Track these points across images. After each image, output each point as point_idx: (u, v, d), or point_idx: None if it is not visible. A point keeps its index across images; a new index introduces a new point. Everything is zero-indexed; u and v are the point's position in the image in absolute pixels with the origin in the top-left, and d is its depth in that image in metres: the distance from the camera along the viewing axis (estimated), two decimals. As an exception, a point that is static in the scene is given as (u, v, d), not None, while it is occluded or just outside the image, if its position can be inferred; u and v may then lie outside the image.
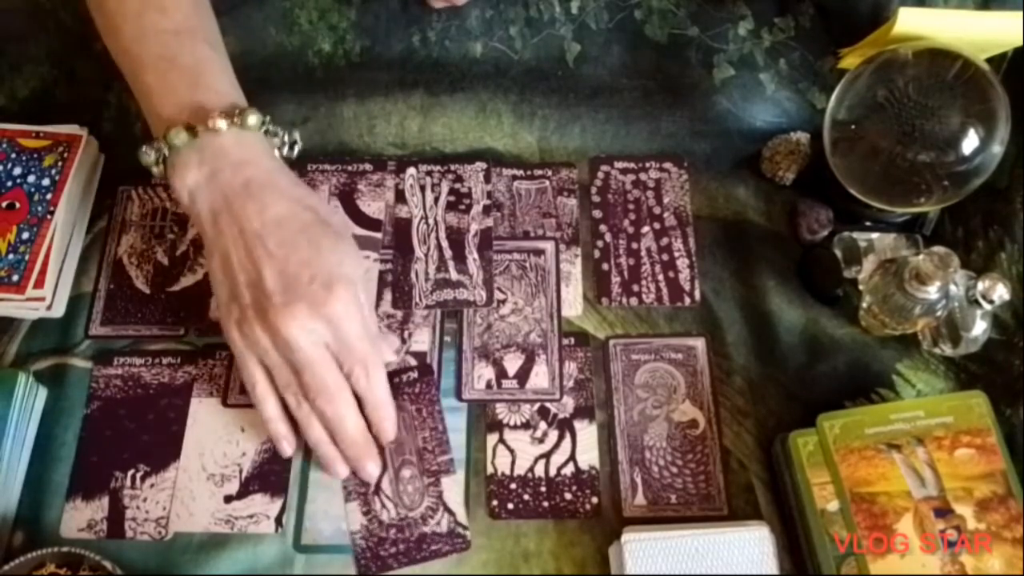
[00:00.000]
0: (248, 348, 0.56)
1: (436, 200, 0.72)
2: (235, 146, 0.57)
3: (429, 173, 0.73)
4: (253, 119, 0.58)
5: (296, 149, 0.63)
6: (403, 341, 0.66)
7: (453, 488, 0.61)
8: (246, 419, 0.63)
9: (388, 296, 0.68)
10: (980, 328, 0.62)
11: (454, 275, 0.69)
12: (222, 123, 0.56)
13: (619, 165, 0.74)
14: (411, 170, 0.73)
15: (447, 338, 0.67)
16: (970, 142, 0.60)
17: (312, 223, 0.57)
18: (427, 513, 0.60)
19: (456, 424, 0.64)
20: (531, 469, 0.63)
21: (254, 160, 0.58)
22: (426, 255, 0.70)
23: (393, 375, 0.64)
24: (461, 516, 0.60)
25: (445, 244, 0.70)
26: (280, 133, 0.61)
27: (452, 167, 0.73)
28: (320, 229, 0.57)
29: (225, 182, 0.56)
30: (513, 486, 0.62)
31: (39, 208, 0.67)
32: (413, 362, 0.65)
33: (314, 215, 0.58)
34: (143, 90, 0.60)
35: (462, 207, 0.72)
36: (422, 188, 0.73)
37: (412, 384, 0.64)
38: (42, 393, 0.64)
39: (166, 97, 0.58)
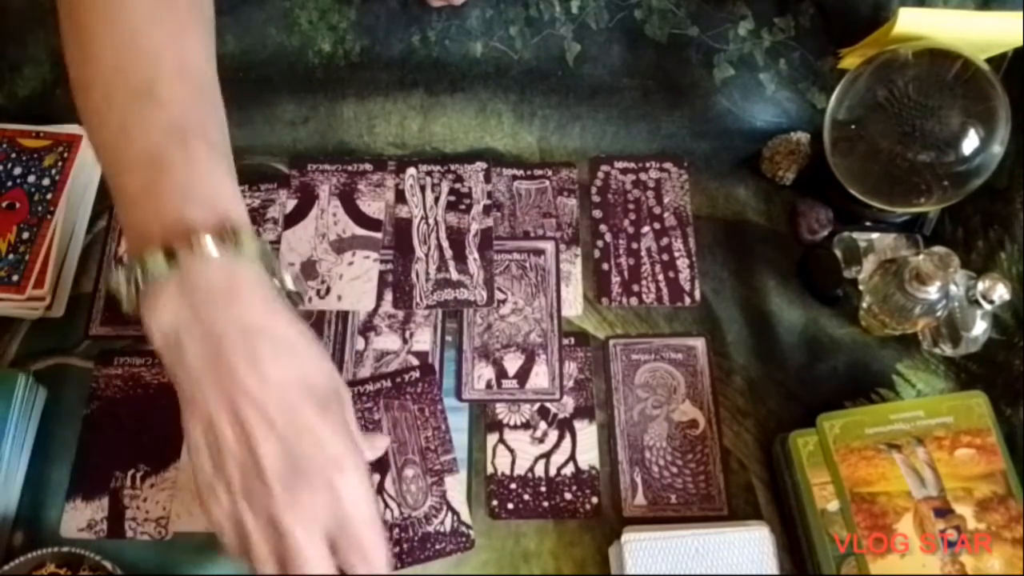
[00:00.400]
0: (232, 532, 0.46)
1: (436, 200, 0.72)
2: (223, 278, 0.45)
3: (429, 173, 0.73)
4: (249, 243, 0.46)
5: (295, 284, 0.52)
6: (404, 341, 0.66)
7: (456, 487, 0.61)
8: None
9: (389, 296, 0.68)
10: (980, 328, 0.62)
11: (455, 275, 0.69)
12: (210, 246, 0.44)
13: (619, 165, 0.74)
14: (411, 170, 0.73)
15: (448, 338, 0.67)
16: (970, 142, 0.60)
17: (320, 382, 0.47)
18: (431, 512, 0.60)
19: (457, 425, 0.64)
20: (531, 469, 0.63)
21: (247, 297, 0.46)
22: (426, 255, 0.70)
23: (395, 375, 0.64)
24: (465, 515, 0.60)
25: (445, 244, 0.70)
26: (275, 270, 0.49)
27: (452, 167, 0.73)
28: (329, 388, 0.47)
29: (212, 326, 0.44)
30: (513, 486, 0.62)
31: (39, 208, 0.67)
32: (415, 362, 0.65)
33: (320, 368, 0.47)
34: (121, 195, 0.48)
35: (462, 207, 0.72)
36: (422, 188, 0.73)
37: (414, 384, 0.64)
38: (42, 393, 0.64)
39: (147, 207, 0.46)
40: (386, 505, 0.60)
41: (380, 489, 0.61)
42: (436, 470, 0.61)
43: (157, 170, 0.46)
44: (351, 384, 0.64)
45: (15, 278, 0.65)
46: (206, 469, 0.45)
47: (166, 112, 0.48)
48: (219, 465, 0.45)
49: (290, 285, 0.50)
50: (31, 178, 0.68)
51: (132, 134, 0.47)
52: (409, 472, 0.61)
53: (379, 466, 0.61)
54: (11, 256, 0.65)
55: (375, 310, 0.68)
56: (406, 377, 0.65)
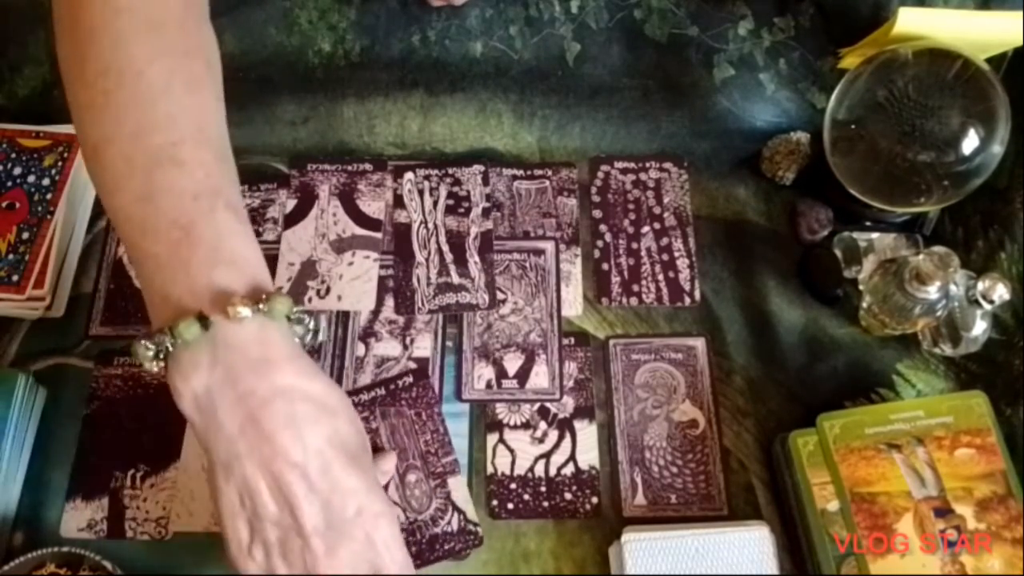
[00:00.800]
0: None
1: (435, 204, 0.72)
2: (256, 341, 0.45)
3: (427, 177, 0.73)
4: (282, 305, 0.46)
5: (320, 337, 0.52)
6: (405, 347, 0.66)
7: (460, 487, 0.61)
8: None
9: (390, 302, 0.68)
10: (980, 328, 0.62)
11: (456, 279, 0.69)
12: (244, 311, 0.44)
13: (619, 165, 0.74)
14: (409, 175, 0.73)
15: (448, 343, 0.67)
16: (970, 142, 0.60)
17: (352, 438, 0.47)
18: (437, 515, 0.60)
19: (458, 428, 0.64)
20: (531, 469, 0.63)
21: (280, 360, 0.45)
22: (427, 259, 0.70)
23: (389, 381, 0.64)
24: (471, 514, 0.60)
25: (446, 248, 0.70)
26: (305, 320, 0.49)
27: (450, 170, 0.73)
28: (359, 443, 0.48)
29: (246, 390, 0.44)
30: (513, 486, 0.62)
31: (39, 208, 0.67)
32: (413, 365, 0.65)
33: (351, 423, 0.48)
34: (146, 263, 0.47)
35: (461, 210, 0.72)
36: (420, 192, 0.73)
37: (409, 389, 0.64)
38: (42, 393, 0.64)
39: (176, 276, 0.45)
40: None
41: None
42: (439, 472, 0.61)
43: (184, 236, 0.46)
44: (348, 394, 0.64)
45: (15, 278, 0.65)
46: (241, 533, 0.45)
47: (191, 177, 0.47)
48: (257, 529, 0.45)
49: (323, 336, 0.51)
50: (31, 178, 0.68)
51: (157, 200, 0.46)
52: (412, 477, 0.61)
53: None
54: (11, 256, 0.65)
55: (375, 316, 0.68)
56: (400, 383, 0.64)
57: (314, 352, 0.66)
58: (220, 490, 0.45)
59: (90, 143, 0.48)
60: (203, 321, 0.44)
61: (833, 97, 0.65)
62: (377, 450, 0.61)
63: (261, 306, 0.45)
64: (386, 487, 0.61)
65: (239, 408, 0.44)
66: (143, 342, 0.45)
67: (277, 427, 0.44)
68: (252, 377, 0.44)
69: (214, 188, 0.47)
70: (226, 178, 0.49)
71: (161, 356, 0.45)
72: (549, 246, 0.70)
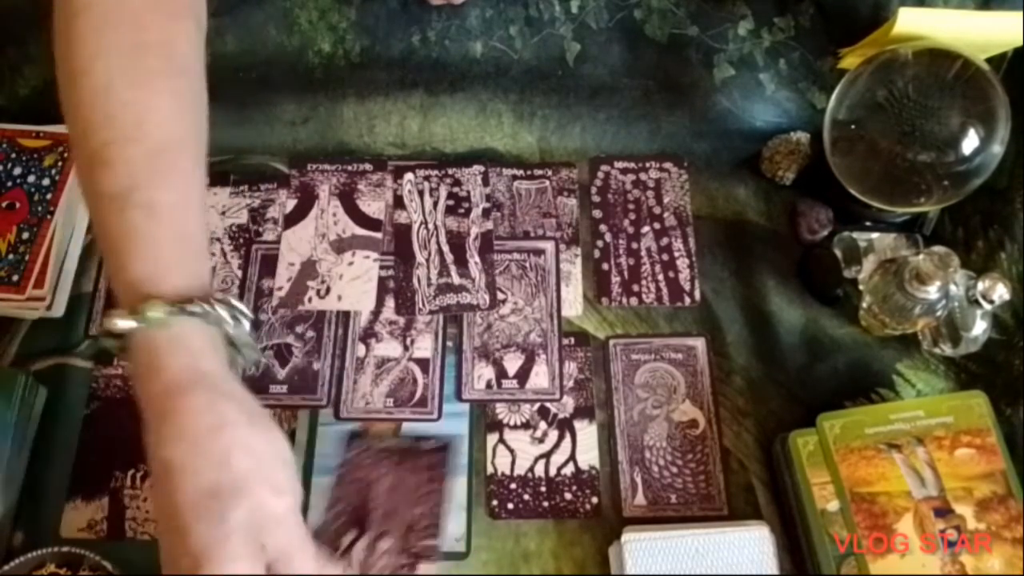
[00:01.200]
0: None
1: (435, 205, 0.72)
2: (142, 354, 0.45)
3: (427, 178, 0.73)
4: (153, 312, 0.44)
5: (245, 322, 0.49)
6: (405, 348, 0.66)
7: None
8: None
9: (390, 303, 0.68)
10: (980, 328, 0.62)
11: (456, 279, 0.69)
12: (121, 322, 0.45)
13: (619, 165, 0.74)
14: (409, 175, 0.73)
15: (449, 343, 0.67)
16: (970, 142, 0.60)
17: (198, 480, 0.43)
18: None
19: (458, 428, 0.64)
20: (531, 469, 0.63)
21: (163, 372, 0.45)
22: (427, 260, 0.70)
23: (418, 439, 0.62)
24: None
25: (446, 248, 0.70)
26: (214, 310, 0.46)
27: (450, 171, 0.73)
28: (210, 485, 0.43)
29: (140, 393, 0.45)
30: (513, 486, 0.62)
31: (39, 208, 0.67)
32: (417, 371, 0.65)
33: (213, 464, 0.43)
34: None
35: (461, 211, 0.72)
36: (420, 193, 0.73)
37: (429, 453, 0.62)
38: (42, 393, 0.64)
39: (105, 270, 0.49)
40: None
41: (348, 549, 0.57)
42: (414, 552, 0.58)
43: (101, 240, 0.48)
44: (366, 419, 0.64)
45: (15, 278, 0.65)
46: None
47: (111, 177, 0.47)
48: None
49: (244, 308, 0.49)
50: (31, 178, 0.68)
51: (89, 201, 0.48)
52: (384, 544, 0.58)
53: (357, 522, 0.58)
54: (11, 256, 0.65)
55: (376, 317, 0.68)
56: (422, 444, 0.62)
57: (312, 350, 0.66)
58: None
59: (69, 143, 0.51)
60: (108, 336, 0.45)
61: (833, 97, 0.65)
62: (368, 511, 0.58)
63: (135, 316, 0.44)
64: (353, 542, 0.57)
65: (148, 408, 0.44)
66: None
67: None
68: (142, 390, 0.45)
69: (129, 187, 0.47)
70: (148, 173, 0.48)
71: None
72: (549, 246, 0.70)
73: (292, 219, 0.71)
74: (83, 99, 0.49)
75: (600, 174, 0.74)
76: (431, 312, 0.68)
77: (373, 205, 0.72)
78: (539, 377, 0.65)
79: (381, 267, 0.69)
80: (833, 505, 0.56)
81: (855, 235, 0.68)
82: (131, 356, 0.45)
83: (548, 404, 0.65)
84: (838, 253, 0.68)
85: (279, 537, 0.43)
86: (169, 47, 0.52)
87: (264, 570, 0.43)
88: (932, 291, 0.59)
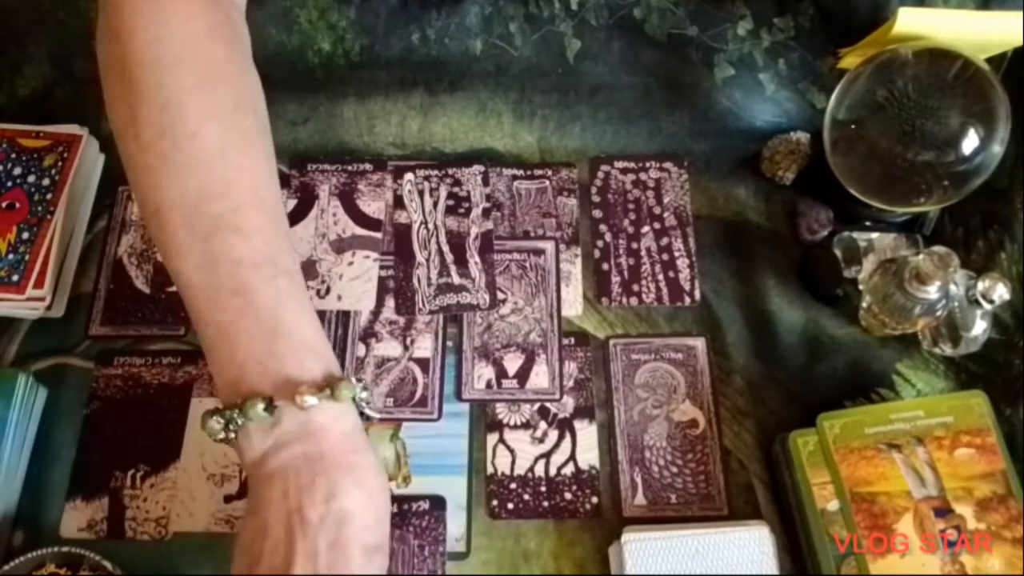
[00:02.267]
0: None
1: (435, 204, 0.72)
2: (319, 417, 0.46)
3: (427, 178, 0.73)
4: (347, 391, 0.46)
5: (373, 413, 0.51)
6: (405, 348, 0.66)
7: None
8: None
9: (390, 302, 0.68)
10: (980, 328, 0.62)
11: (456, 279, 0.69)
12: (311, 399, 0.45)
13: (619, 165, 0.74)
14: (408, 175, 0.73)
15: (449, 343, 0.67)
16: (970, 142, 0.60)
17: (376, 533, 0.46)
18: None
19: (458, 428, 0.64)
20: (531, 469, 0.63)
21: (339, 439, 0.46)
22: (427, 260, 0.70)
23: (402, 501, 0.61)
24: None
25: (446, 248, 0.70)
26: (365, 396, 0.48)
27: (450, 171, 0.73)
28: (381, 543, 0.46)
29: (300, 451, 0.45)
30: (513, 486, 0.62)
31: (39, 208, 0.67)
32: (415, 367, 0.65)
33: (382, 520, 0.46)
34: (208, 330, 0.47)
35: (461, 211, 0.72)
36: (420, 193, 0.73)
37: (420, 516, 0.60)
38: (42, 393, 0.64)
39: (240, 348, 0.46)
40: None
41: None
42: None
43: (245, 305, 0.46)
44: None
45: (15, 278, 0.65)
46: (239, 567, 0.45)
47: (249, 244, 0.47)
48: (251, 568, 0.44)
49: (375, 416, 0.50)
50: (31, 178, 0.68)
51: (218, 268, 0.46)
52: None
53: None
54: (11, 256, 0.65)
55: (376, 316, 0.68)
56: (413, 507, 0.61)
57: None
58: (244, 527, 0.46)
59: (151, 207, 0.48)
60: (269, 404, 0.44)
61: (833, 97, 0.65)
62: None
63: (327, 393, 0.45)
64: None
65: (287, 463, 0.45)
66: (214, 417, 0.46)
67: (312, 482, 0.44)
68: (310, 443, 0.45)
69: (271, 254, 0.47)
70: (282, 241, 0.49)
71: (231, 428, 0.46)
72: (549, 246, 0.70)
73: (292, 219, 0.71)
74: (196, 163, 0.47)
75: (600, 174, 0.74)
76: (431, 312, 0.68)
77: (373, 205, 0.72)
78: (539, 377, 0.65)
79: (381, 267, 0.69)
80: (833, 505, 0.56)
81: (855, 235, 0.68)
82: (281, 421, 0.45)
83: (548, 404, 0.65)
84: (838, 253, 0.68)
85: None
86: (255, 103, 0.52)
87: None
88: (932, 291, 0.59)
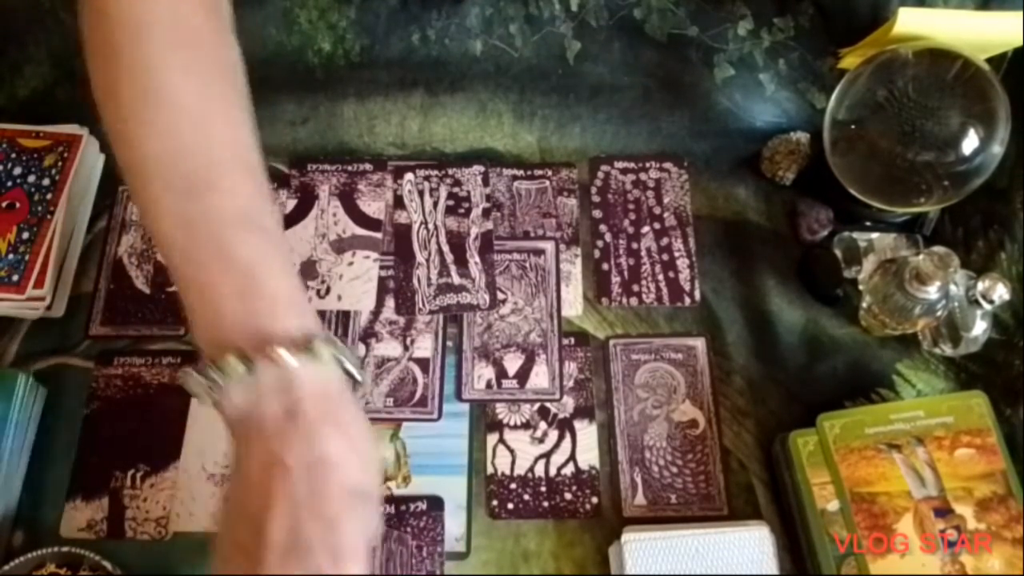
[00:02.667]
0: None
1: (435, 205, 0.72)
2: (297, 373, 0.45)
3: (427, 178, 0.73)
4: (323, 350, 0.45)
5: (356, 372, 0.49)
6: (405, 348, 0.66)
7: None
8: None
9: (390, 303, 0.68)
10: (980, 328, 0.62)
11: (456, 279, 0.69)
12: (287, 355, 0.44)
13: (619, 165, 0.74)
14: (409, 175, 0.73)
15: (449, 343, 0.67)
16: (970, 142, 0.60)
17: (361, 480, 0.45)
18: None
19: (458, 428, 0.64)
20: (531, 469, 0.63)
21: (319, 394, 0.46)
22: (427, 260, 0.70)
23: (400, 502, 0.61)
24: None
25: (446, 248, 0.70)
26: (348, 355, 0.48)
27: (450, 171, 0.73)
28: (366, 489, 0.45)
29: (278, 406, 0.45)
30: (513, 486, 0.62)
31: (39, 208, 0.67)
32: (415, 368, 0.65)
33: (367, 467, 0.46)
34: (190, 289, 0.47)
35: (461, 211, 0.72)
36: (420, 193, 0.73)
37: (418, 516, 0.60)
38: (42, 393, 0.64)
39: (217, 307, 0.46)
40: None
41: None
42: None
43: (222, 264, 0.46)
44: None
45: (15, 278, 0.65)
46: (223, 524, 0.45)
47: (226, 202, 0.47)
48: (233, 519, 0.44)
49: (358, 376, 0.49)
50: (31, 178, 0.68)
51: (194, 226, 0.46)
52: None
53: None
54: (11, 256, 0.65)
55: (376, 316, 0.68)
56: (411, 507, 0.61)
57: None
58: (231, 488, 0.46)
59: (132, 169, 0.48)
60: (247, 360, 0.44)
61: (833, 97, 0.65)
62: None
63: (304, 351, 0.45)
64: None
65: (268, 418, 0.44)
66: (195, 375, 0.45)
67: (296, 432, 0.44)
68: (288, 398, 0.44)
69: (247, 212, 0.47)
70: (258, 199, 0.49)
71: (212, 389, 0.45)
72: (549, 246, 0.70)
73: (292, 219, 0.71)
74: (169, 121, 0.47)
75: (600, 174, 0.74)
76: (431, 312, 0.68)
77: (373, 205, 0.72)
78: (539, 377, 0.65)
79: (381, 267, 0.69)
80: (833, 505, 0.56)
81: (855, 235, 0.68)
82: (258, 376, 0.44)
83: (548, 404, 0.65)
84: (838, 253, 0.68)
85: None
86: (236, 66, 0.52)
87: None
88: (932, 291, 0.59)
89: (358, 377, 0.49)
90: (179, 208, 0.46)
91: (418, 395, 0.65)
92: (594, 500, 0.62)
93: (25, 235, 0.66)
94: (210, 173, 0.47)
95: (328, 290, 0.68)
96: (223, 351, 0.45)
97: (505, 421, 0.64)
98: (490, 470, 0.62)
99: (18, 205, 0.67)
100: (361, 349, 0.66)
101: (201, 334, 0.47)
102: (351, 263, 0.70)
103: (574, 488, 0.62)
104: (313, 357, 0.45)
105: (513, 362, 0.66)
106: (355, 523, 0.44)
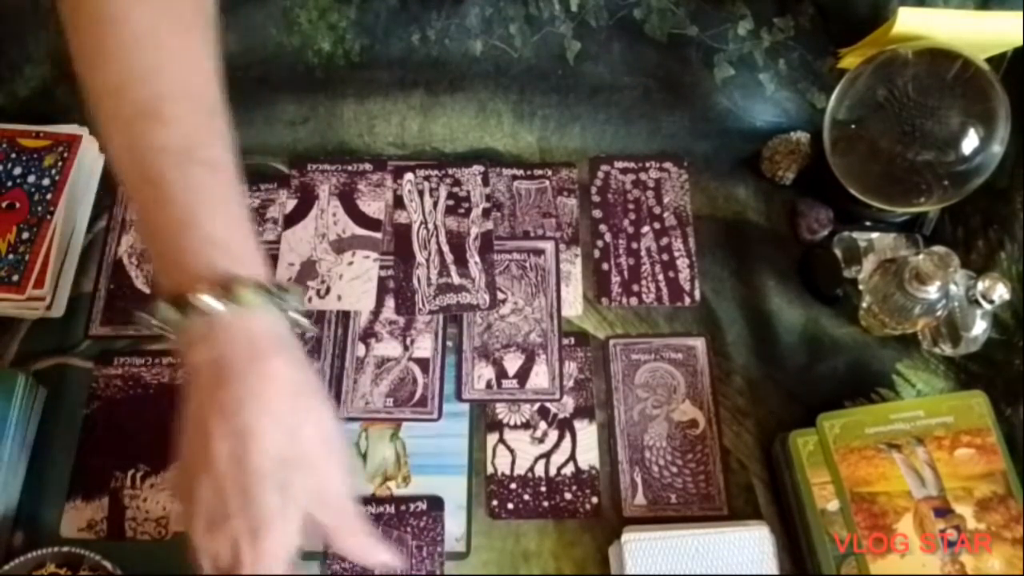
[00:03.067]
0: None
1: (435, 205, 0.72)
2: (223, 319, 0.44)
3: (427, 178, 0.73)
4: (247, 295, 0.44)
5: (305, 322, 0.49)
6: (405, 348, 0.66)
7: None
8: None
9: (390, 303, 0.68)
10: (980, 328, 0.62)
11: (456, 279, 0.69)
12: (208, 300, 0.43)
13: (619, 165, 0.74)
14: (409, 175, 0.73)
15: (449, 343, 0.67)
16: (970, 142, 0.60)
17: (276, 445, 0.43)
18: None
19: (458, 428, 0.64)
20: (531, 469, 0.63)
21: (241, 340, 0.44)
22: (427, 260, 0.70)
23: (400, 502, 0.61)
24: None
25: (446, 248, 0.70)
26: (289, 300, 0.47)
27: (450, 171, 0.73)
28: (287, 452, 0.44)
29: (206, 355, 0.44)
30: (513, 486, 0.62)
31: (39, 208, 0.67)
32: (415, 368, 0.65)
33: (287, 431, 0.44)
34: (137, 215, 0.48)
35: (461, 211, 0.72)
36: (420, 193, 0.73)
37: (419, 516, 0.60)
38: (42, 393, 0.64)
39: (154, 240, 0.46)
40: None
41: None
42: None
43: (159, 194, 0.45)
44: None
45: (15, 278, 0.65)
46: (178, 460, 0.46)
47: (168, 132, 0.46)
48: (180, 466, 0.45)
49: (304, 322, 0.48)
50: (31, 178, 0.68)
51: (136, 154, 0.46)
52: None
53: None
54: (11, 256, 0.65)
55: (376, 316, 0.67)
56: (411, 507, 0.61)
57: (312, 350, 0.66)
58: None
59: (88, 91, 0.48)
60: (180, 305, 0.44)
61: (833, 97, 0.65)
62: None
63: (225, 299, 0.44)
64: None
65: (211, 369, 0.44)
66: (143, 317, 0.46)
67: (227, 392, 0.43)
68: (224, 350, 0.44)
69: (192, 145, 0.46)
70: (205, 132, 0.48)
71: (161, 330, 0.45)
72: (549, 246, 0.70)
73: (292, 219, 0.71)
74: (120, 47, 0.47)
75: (600, 174, 0.74)
76: (431, 312, 0.68)
77: (373, 205, 0.72)
78: (539, 377, 0.65)
79: (381, 267, 0.69)
80: (833, 505, 0.56)
81: (855, 235, 0.68)
82: (190, 320, 0.44)
83: (548, 404, 0.65)
84: (838, 253, 0.68)
85: (335, 516, 0.44)
86: (202, 6, 0.51)
87: (319, 547, 0.44)
88: (932, 291, 0.59)
89: (303, 323, 0.48)
90: (125, 134, 0.46)
91: (418, 395, 0.65)
92: (594, 500, 0.62)
93: (25, 235, 0.66)
94: (156, 102, 0.46)
95: (328, 290, 0.68)
96: (158, 293, 0.45)
97: (505, 421, 0.64)
98: (490, 470, 0.62)
99: (18, 205, 0.67)
100: (361, 349, 0.66)
101: (153, 262, 0.47)
102: (351, 263, 0.70)
103: (574, 488, 0.62)
104: (239, 303, 0.44)
105: (513, 362, 0.66)
106: (272, 496, 0.42)
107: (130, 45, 0.47)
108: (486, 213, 0.72)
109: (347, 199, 0.72)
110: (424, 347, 0.66)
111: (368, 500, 0.61)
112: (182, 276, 0.44)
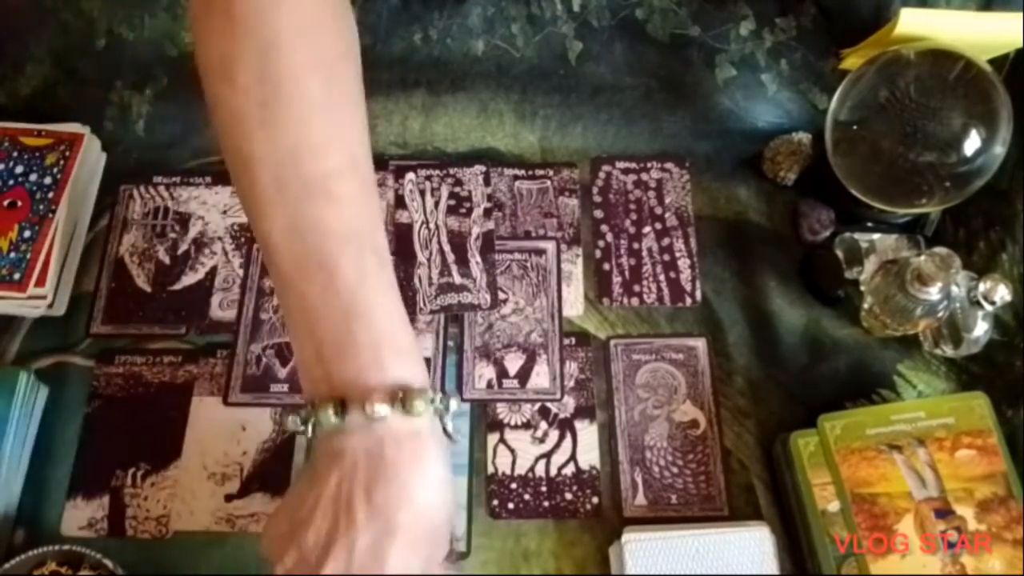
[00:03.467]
0: None
1: (436, 204, 0.72)
2: (394, 426, 0.43)
3: (428, 178, 0.73)
4: (420, 405, 0.43)
5: (451, 428, 0.47)
6: None
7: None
8: (247, 418, 0.63)
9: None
10: (981, 329, 0.62)
11: (457, 279, 0.69)
12: (382, 409, 0.42)
13: (620, 165, 0.74)
14: (410, 175, 0.73)
15: (450, 342, 0.67)
16: (972, 143, 0.60)
17: (412, 548, 0.43)
18: None
19: (459, 428, 0.64)
20: (532, 469, 0.63)
21: (403, 439, 0.44)
22: (428, 260, 0.70)
23: None
24: None
25: (447, 248, 0.70)
26: (445, 405, 0.46)
27: (451, 171, 0.73)
28: (419, 555, 0.43)
29: (363, 445, 0.43)
30: (514, 486, 0.62)
31: (41, 207, 0.67)
32: None
33: (426, 536, 0.44)
34: (292, 298, 0.45)
35: (463, 211, 0.72)
36: (422, 193, 0.73)
37: None
38: (43, 392, 0.64)
39: (319, 329, 0.44)
40: None
41: None
42: None
43: (328, 282, 0.43)
44: None
45: (17, 276, 0.65)
46: (281, 521, 0.44)
47: (340, 215, 0.44)
48: (294, 528, 0.43)
49: (452, 435, 0.47)
50: (33, 176, 0.68)
51: (304, 233, 0.44)
52: None
53: None
54: (13, 254, 0.65)
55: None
56: None
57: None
58: (300, 487, 0.44)
59: (241, 157, 0.45)
60: (341, 409, 0.43)
61: (835, 98, 0.65)
62: None
63: (400, 404, 0.43)
64: None
65: (359, 457, 0.43)
66: (291, 419, 0.45)
67: (378, 480, 0.42)
68: (385, 447, 0.43)
69: (361, 227, 0.45)
70: (373, 212, 0.46)
71: (310, 424, 0.44)
72: (550, 246, 0.70)
73: (293, 218, 0.71)
74: (297, 116, 0.44)
75: (601, 174, 0.74)
76: (432, 312, 0.68)
77: (374, 204, 0.72)
78: (540, 377, 0.65)
79: (382, 266, 0.69)
80: (834, 506, 0.56)
81: (857, 236, 0.68)
82: (349, 419, 0.43)
83: (549, 404, 0.65)
84: (839, 254, 0.68)
85: None
86: (355, 51, 0.48)
87: None
88: (933, 292, 0.59)
89: (450, 430, 0.46)
90: (290, 213, 0.44)
91: (419, 394, 0.65)
92: (594, 500, 0.62)
93: (27, 233, 0.66)
94: (328, 181, 0.44)
95: (329, 289, 0.68)
96: (322, 399, 0.43)
97: (506, 421, 0.64)
98: (491, 470, 0.62)
99: (20, 203, 0.67)
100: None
101: (301, 349, 0.45)
102: (352, 262, 0.69)
103: (575, 488, 0.62)
104: (412, 413, 0.43)
105: (514, 362, 0.66)
106: (425, 563, 0.43)
107: (301, 115, 0.44)
108: (487, 213, 0.72)
109: (348, 198, 0.72)
110: (425, 347, 0.66)
111: None
112: (349, 374, 0.43)
